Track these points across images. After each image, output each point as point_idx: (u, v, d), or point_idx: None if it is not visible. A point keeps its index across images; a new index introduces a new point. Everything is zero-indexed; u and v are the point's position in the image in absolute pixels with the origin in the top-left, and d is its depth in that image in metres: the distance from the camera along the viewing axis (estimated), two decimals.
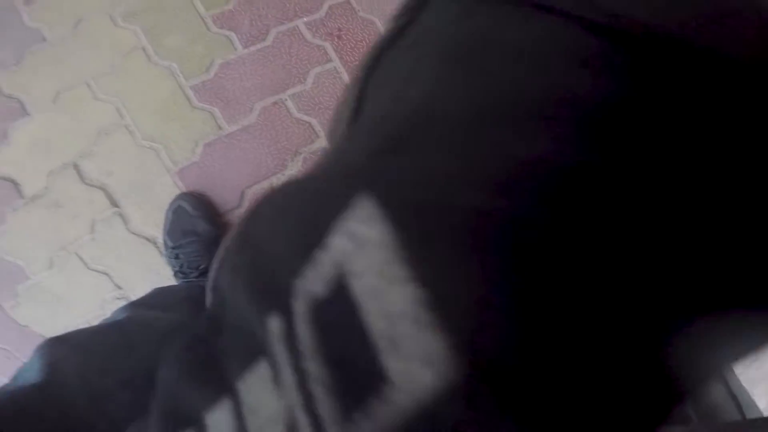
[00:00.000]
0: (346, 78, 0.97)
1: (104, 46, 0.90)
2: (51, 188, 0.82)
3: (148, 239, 0.82)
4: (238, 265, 0.09)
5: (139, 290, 0.85)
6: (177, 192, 0.82)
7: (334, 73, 0.95)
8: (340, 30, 0.97)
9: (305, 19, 0.97)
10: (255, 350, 0.08)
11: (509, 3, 0.08)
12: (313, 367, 0.07)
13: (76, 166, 0.82)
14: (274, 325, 0.07)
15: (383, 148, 0.08)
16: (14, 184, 0.83)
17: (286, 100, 0.91)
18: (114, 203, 0.82)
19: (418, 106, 0.09)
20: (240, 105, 0.88)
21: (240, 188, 0.88)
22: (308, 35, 0.95)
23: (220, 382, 0.09)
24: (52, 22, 0.95)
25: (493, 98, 0.07)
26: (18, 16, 0.96)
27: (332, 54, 0.95)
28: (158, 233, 0.82)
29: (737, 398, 0.39)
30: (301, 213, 0.08)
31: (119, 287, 0.84)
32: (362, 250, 0.06)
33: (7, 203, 0.82)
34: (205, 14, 0.95)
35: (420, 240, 0.06)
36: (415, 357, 0.06)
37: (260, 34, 0.94)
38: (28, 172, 0.82)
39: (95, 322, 0.89)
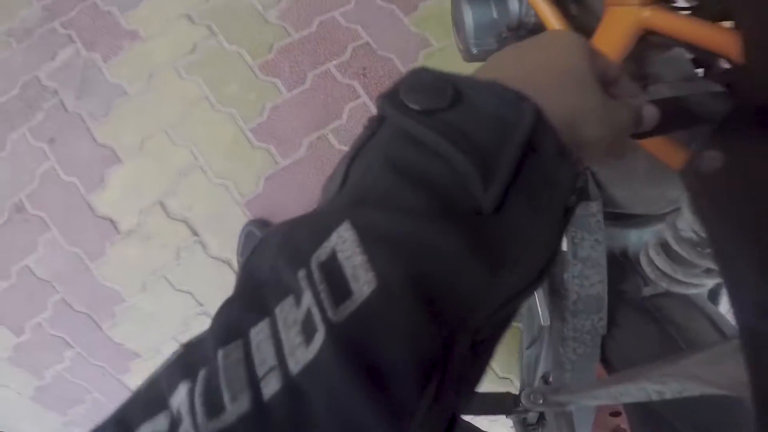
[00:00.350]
0: (374, 111, 1.11)
1: (175, 96, 1.06)
2: (142, 224, 0.98)
3: (224, 261, 0.97)
4: (282, 247, 0.16)
5: (218, 306, 1.00)
6: (246, 220, 0.97)
7: (364, 107, 1.09)
8: (364, 69, 1.10)
9: (334, 62, 1.11)
10: (285, 291, 0.15)
11: (415, 142, 0.17)
12: (321, 288, 0.14)
13: (162, 204, 0.98)
14: (301, 274, 0.15)
15: (354, 202, 0.17)
16: (112, 222, 0.99)
17: (327, 134, 1.05)
18: (195, 233, 0.97)
19: (369, 183, 0.17)
20: (291, 142, 1.03)
21: (299, 213, 1.03)
22: (338, 76, 1.09)
23: (262, 310, 0.15)
24: (130, 77, 1.12)
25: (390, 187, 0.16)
26: (101, 73, 1.13)
27: (360, 91, 1.08)
28: (233, 256, 0.97)
29: (722, 330, 0.44)
30: (314, 226, 0.16)
31: (201, 304, 1.00)
32: (343, 241, 0.15)
33: (106, 238, 0.99)
34: (253, 64, 1.10)
35: (366, 236, 0.15)
36: (362, 282, 0.14)
37: (299, 78, 1.09)
38: (123, 211, 0.98)
39: (181, 338, 1.05)
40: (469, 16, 0.53)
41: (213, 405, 0.13)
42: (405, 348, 0.14)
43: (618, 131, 0.22)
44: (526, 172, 0.16)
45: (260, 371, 0.13)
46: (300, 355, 0.13)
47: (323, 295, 0.14)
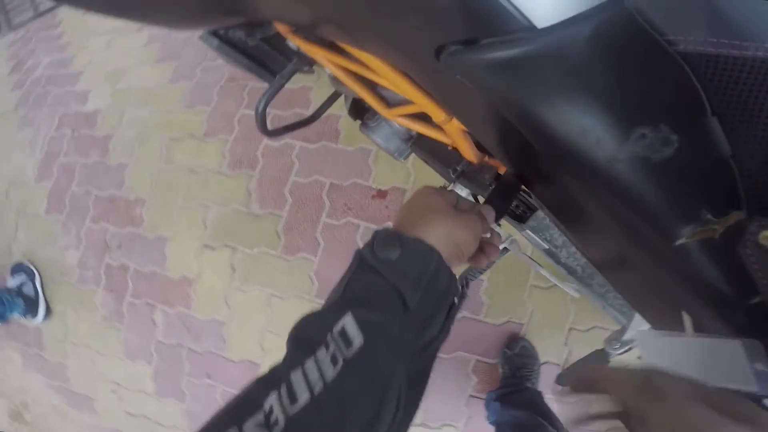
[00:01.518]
0: (374, 227, 1.47)
1: (254, 307, 1.47)
2: None
3: None
4: (317, 323, 0.30)
5: None
6: None
7: (369, 229, 1.39)
8: (345, 204, 1.45)
9: (324, 214, 1.45)
10: (320, 343, 0.28)
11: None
12: (339, 342, 0.28)
13: None
14: (329, 336, 0.28)
15: (351, 303, 0.30)
16: None
17: None
18: None
19: (358, 293, 0.31)
20: None
21: None
22: (335, 222, 1.44)
23: (310, 352, 0.27)
24: (214, 311, 1.54)
25: None
26: (195, 318, 1.56)
27: (357, 221, 1.41)
28: None
29: None
30: (333, 313, 0.29)
31: None
32: (347, 321, 0.28)
33: None
34: (278, 253, 1.48)
35: (358, 319, 0.28)
36: (357, 340, 0.27)
37: (313, 242, 1.45)
38: None
39: None
40: (379, 140, 0.68)
41: (293, 398, 0.25)
42: (384, 363, 0.28)
43: (475, 232, 0.36)
44: (431, 288, 0.32)
45: (312, 381, 0.26)
46: (330, 373, 0.26)
47: (341, 345, 0.27)
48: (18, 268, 1.88)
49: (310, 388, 0.26)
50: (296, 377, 0.26)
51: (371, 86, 0.52)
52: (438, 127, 0.50)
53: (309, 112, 0.70)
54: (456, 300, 0.35)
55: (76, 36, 2.23)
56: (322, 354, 0.27)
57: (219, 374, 1.55)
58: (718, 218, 0.24)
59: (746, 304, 0.24)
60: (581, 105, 0.24)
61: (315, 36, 0.47)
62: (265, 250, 1.49)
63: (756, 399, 0.25)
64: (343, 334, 0.28)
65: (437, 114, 0.45)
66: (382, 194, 1.42)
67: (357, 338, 0.27)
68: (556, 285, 1.24)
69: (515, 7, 0.22)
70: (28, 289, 1.81)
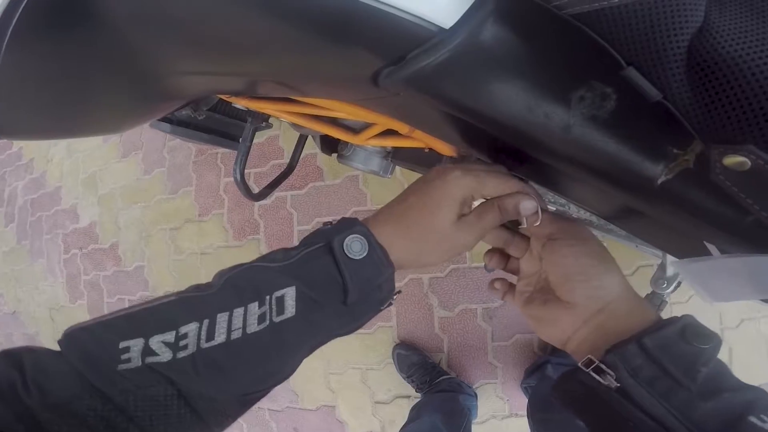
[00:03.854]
0: None
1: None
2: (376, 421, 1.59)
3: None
4: (260, 282, 0.30)
5: None
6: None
7: None
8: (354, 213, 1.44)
9: None
10: (256, 299, 0.29)
11: None
12: (273, 305, 0.29)
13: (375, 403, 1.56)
14: (267, 297, 0.29)
15: (299, 278, 0.30)
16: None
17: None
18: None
19: (307, 273, 0.31)
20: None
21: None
22: None
23: (241, 303, 0.28)
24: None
25: None
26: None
27: None
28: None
29: None
30: (278, 280, 0.30)
31: None
32: (288, 293, 0.30)
33: None
34: None
35: (299, 294, 0.30)
36: (290, 309, 0.30)
37: None
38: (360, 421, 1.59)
39: None
40: (359, 165, 0.69)
41: (210, 335, 0.27)
42: (302, 337, 0.30)
43: (464, 245, 0.34)
44: (372, 294, 0.32)
45: (233, 327, 0.27)
46: (253, 328, 0.28)
47: (274, 309, 0.29)
48: None
49: (229, 333, 0.27)
50: (221, 319, 0.28)
51: (331, 120, 0.52)
52: (407, 136, 0.51)
53: (285, 161, 0.65)
54: (381, 308, 0.35)
55: (35, 150, 2.21)
56: (254, 309, 0.28)
57: (304, 427, 1.65)
58: (684, 150, 0.25)
59: (746, 222, 0.25)
60: (515, 84, 0.25)
61: (258, 93, 0.46)
62: None
63: None
64: (280, 301, 0.29)
65: (401, 127, 0.45)
66: None
67: (290, 310, 0.29)
68: None
69: (420, 18, 0.24)
70: None
